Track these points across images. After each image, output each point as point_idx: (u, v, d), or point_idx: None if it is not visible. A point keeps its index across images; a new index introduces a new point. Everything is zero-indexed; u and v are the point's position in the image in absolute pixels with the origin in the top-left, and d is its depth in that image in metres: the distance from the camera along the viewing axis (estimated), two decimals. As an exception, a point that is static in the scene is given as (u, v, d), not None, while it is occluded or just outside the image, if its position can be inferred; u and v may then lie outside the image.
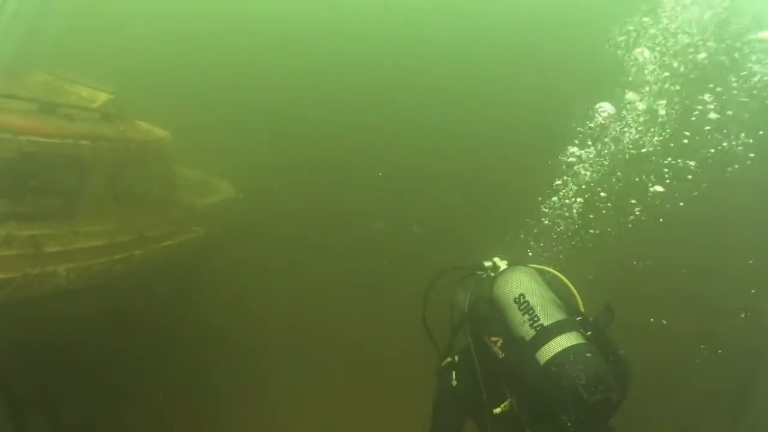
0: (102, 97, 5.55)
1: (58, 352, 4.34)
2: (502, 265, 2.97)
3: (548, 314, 2.50)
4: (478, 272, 3.02)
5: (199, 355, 6.06)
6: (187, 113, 8.52)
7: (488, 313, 2.72)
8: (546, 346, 2.40)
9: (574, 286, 2.79)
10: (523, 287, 2.64)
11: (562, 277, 2.85)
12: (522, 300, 2.58)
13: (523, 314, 2.54)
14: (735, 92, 6.25)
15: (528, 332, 2.48)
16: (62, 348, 4.32)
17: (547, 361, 2.37)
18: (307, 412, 5.94)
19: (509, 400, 2.53)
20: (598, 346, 2.43)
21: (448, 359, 2.94)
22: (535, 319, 2.49)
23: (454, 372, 2.86)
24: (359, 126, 10.83)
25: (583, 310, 2.70)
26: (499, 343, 2.58)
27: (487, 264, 3.02)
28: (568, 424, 2.26)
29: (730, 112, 6.34)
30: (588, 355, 2.34)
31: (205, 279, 6.69)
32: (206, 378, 5.92)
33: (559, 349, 2.37)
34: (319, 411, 5.99)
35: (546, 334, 2.43)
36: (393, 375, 6.39)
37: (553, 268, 2.90)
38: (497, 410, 2.54)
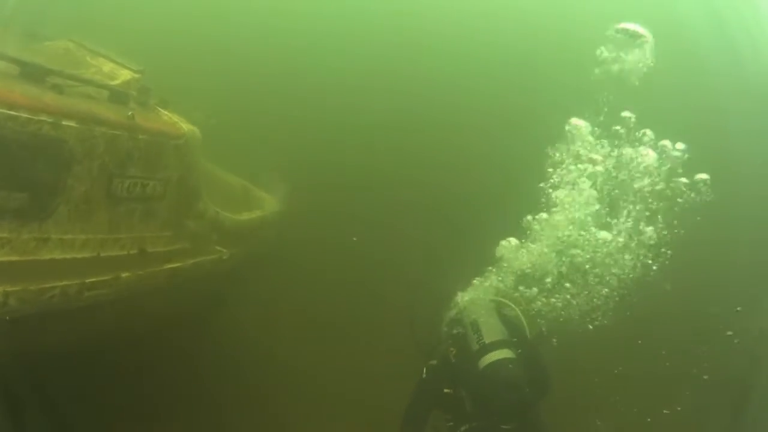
0: (125, 74, 4.52)
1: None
2: (470, 297, 4.41)
3: (491, 335, 3.81)
4: (454, 300, 4.43)
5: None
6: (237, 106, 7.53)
7: (451, 332, 4.10)
8: (484, 357, 3.68)
9: (524, 316, 4.19)
10: (477, 314, 4.04)
11: (517, 309, 4.23)
12: (475, 324, 3.93)
13: (474, 333, 3.87)
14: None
15: (475, 346, 3.80)
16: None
17: (483, 367, 3.66)
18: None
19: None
20: (525, 361, 3.70)
21: (431, 362, 4.05)
22: (481, 337, 3.81)
23: (425, 368, 4.00)
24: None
25: (528, 333, 4.04)
26: (453, 353, 3.96)
27: (460, 295, 4.46)
28: (496, 410, 3.54)
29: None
30: (510, 366, 3.62)
31: (222, 313, 5.46)
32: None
33: (492, 360, 3.66)
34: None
35: (485, 348, 3.73)
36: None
37: (513, 303, 4.28)
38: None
